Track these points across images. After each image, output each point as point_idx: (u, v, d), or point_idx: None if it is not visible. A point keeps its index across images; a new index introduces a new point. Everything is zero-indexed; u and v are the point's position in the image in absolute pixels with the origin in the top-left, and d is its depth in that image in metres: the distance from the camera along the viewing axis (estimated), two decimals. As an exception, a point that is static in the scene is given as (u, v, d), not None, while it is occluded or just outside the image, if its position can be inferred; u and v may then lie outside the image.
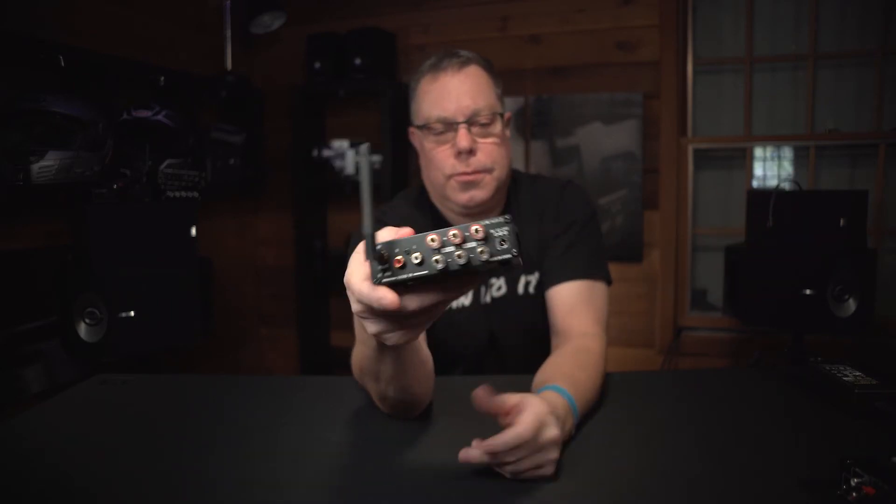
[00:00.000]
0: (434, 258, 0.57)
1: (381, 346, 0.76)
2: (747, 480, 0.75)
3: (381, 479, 0.78)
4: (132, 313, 1.90)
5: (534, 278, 1.31)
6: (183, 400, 1.10)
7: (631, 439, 0.88)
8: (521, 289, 1.31)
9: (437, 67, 1.22)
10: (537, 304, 1.29)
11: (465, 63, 1.22)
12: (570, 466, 0.80)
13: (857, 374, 0.99)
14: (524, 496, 0.73)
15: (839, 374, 0.99)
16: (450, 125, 1.20)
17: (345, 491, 0.75)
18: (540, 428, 0.76)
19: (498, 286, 1.31)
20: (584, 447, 0.86)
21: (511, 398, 0.78)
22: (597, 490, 0.73)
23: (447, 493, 0.74)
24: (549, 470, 0.77)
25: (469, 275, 0.60)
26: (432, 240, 0.57)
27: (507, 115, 1.28)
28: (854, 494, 0.66)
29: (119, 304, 1.89)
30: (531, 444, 0.75)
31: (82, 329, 1.88)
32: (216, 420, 0.98)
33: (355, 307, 0.63)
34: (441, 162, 1.22)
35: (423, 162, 1.29)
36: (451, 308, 1.30)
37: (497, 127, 1.23)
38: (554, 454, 0.77)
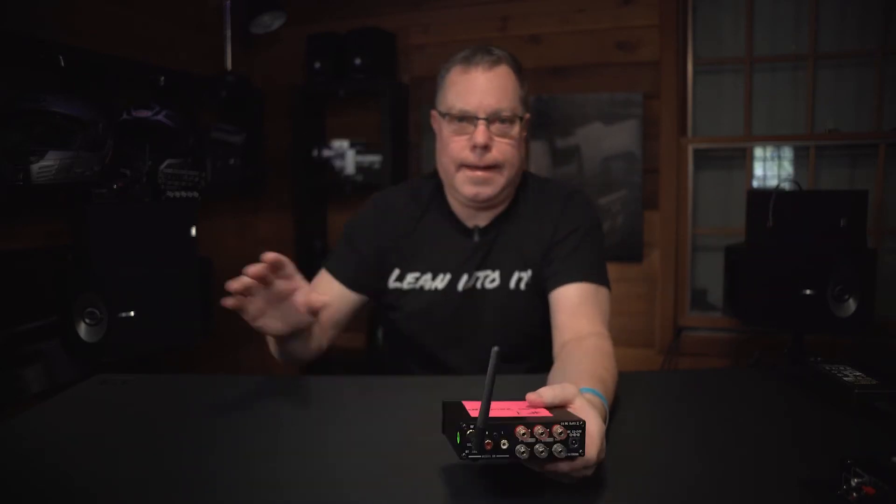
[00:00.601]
0: (519, 447, 0.66)
1: (284, 347, 1.12)
2: (747, 480, 0.75)
3: (381, 479, 0.78)
4: (132, 313, 1.90)
5: (526, 275, 1.32)
6: (183, 400, 1.10)
7: (631, 439, 0.87)
8: (513, 284, 1.33)
9: (469, 61, 1.26)
10: (527, 300, 1.31)
11: (495, 62, 1.25)
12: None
13: (857, 374, 0.99)
14: (522, 495, 0.73)
15: (839, 374, 0.99)
16: (471, 119, 1.24)
17: (345, 491, 0.75)
18: (601, 451, 0.72)
19: (492, 279, 1.33)
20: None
21: (570, 401, 0.74)
22: (596, 490, 0.73)
23: (447, 493, 0.74)
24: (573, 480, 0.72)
25: (536, 461, 0.67)
26: (522, 433, 0.66)
27: (526, 116, 1.30)
28: (854, 494, 0.66)
29: (119, 304, 1.89)
30: (588, 465, 0.70)
31: (82, 329, 1.88)
32: (216, 420, 0.98)
33: None
34: (455, 151, 1.26)
35: (438, 146, 1.33)
36: (422, 289, 1.34)
37: (515, 129, 1.27)
38: (591, 472, 0.72)
